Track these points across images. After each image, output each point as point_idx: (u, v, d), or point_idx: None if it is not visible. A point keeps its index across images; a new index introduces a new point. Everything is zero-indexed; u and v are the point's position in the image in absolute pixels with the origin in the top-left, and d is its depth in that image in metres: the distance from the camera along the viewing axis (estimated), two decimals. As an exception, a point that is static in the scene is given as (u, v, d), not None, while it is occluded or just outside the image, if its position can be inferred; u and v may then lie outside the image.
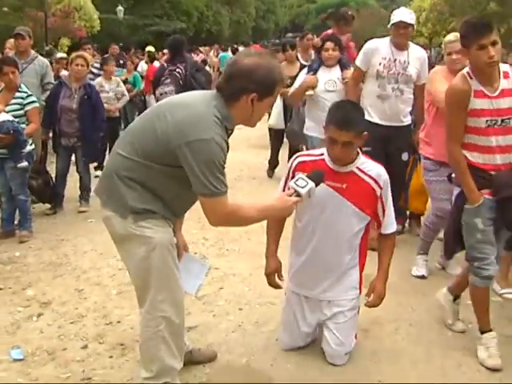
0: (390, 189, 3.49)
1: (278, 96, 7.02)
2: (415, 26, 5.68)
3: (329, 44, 6.21)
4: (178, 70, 6.76)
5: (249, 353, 3.76)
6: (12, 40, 8.05)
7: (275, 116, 8.59)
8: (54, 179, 7.01)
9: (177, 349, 3.06)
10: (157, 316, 2.97)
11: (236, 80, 2.82)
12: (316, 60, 6.46)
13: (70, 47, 22.48)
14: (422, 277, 5.00)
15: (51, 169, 7.24)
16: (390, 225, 3.55)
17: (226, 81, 2.87)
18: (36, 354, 3.76)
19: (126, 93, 9.50)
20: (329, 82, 6.13)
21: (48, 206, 7.00)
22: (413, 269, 5.07)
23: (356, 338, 3.72)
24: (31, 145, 6.02)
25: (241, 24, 53.48)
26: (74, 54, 7.41)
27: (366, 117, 5.28)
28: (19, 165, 5.82)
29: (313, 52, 8.20)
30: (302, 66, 7.66)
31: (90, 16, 28.23)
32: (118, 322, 4.17)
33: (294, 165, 3.53)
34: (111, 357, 3.70)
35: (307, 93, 6.21)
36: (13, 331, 4.05)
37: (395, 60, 5.45)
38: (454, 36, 4.86)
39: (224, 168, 2.77)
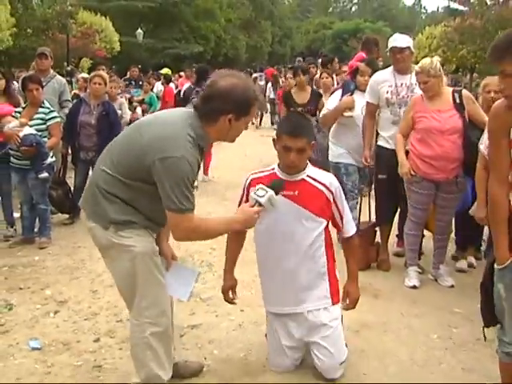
0: (343, 196, 3.60)
1: None
2: (413, 50, 5.79)
3: (365, 68, 6.19)
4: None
5: (247, 348, 4.05)
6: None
7: None
8: (72, 191, 7.36)
9: (165, 357, 3.21)
10: (142, 322, 3.11)
11: (213, 101, 2.94)
12: (350, 83, 6.42)
13: (90, 68, 23.12)
14: (414, 287, 5.26)
15: (70, 181, 7.59)
16: (351, 228, 3.66)
17: (203, 102, 2.98)
18: (52, 345, 4.08)
19: (127, 115, 9.21)
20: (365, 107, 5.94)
21: (66, 216, 7.35)
22: (405, 279, 5.35)
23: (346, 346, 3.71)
24: (52, 157, 6.38)
25: (257, 48, 54.17)
26: (92, 74, 7.83)
27: (383, 144, 5.67)
28: (40, 175, 6.17)
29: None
30: (314, 93, 7.89)
31: (111, 38, 28.93)
32: (128, 319, 4.46)
33: (247, 182, 3.60)
34: (120, 349, 4.01)
35: (346, 114, 6.08)
36: (31, 325, 4.38)
37: (401, 85, 5.63)
38: (418, 67, 5.20)
39: (193, 186, 2.89)
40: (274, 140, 3.53)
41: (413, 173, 5.16)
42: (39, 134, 6.21)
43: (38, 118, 6.35)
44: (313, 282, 3.55)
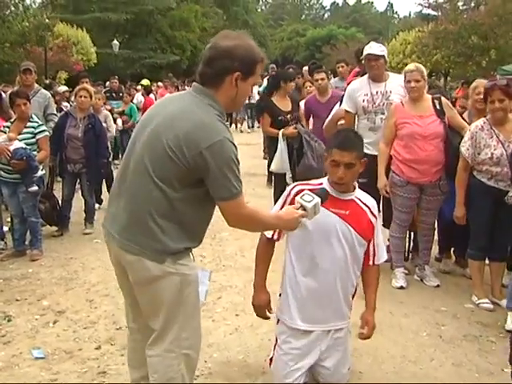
0: (380, 223, 3.56)
1: (281, 140, 7.18)
2: (387, 59, 5.95)
3: None
4: None
5: (245, 351, 4.19)
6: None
7: (278, 161, 7.58)
8: (60, 203, 7.45)
9: (190, 380, 3.07)
10: (180, 354, 2.92)
11: (217, 62, 2.76)
12: None
13: (67, 80, 23.13)
14: (401, 287, 5.44)
15: (58, 193, 7.67)
16: (382, 254, 3.52)
17: (206, 65, 2.80)
18: (55, 353, 4.17)
19: (112, 128, 9.44)
20: None
21: (55, 228, 7.43)
22: (392, 280, 5.54)
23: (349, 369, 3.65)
24: (42, 170, 6.46)
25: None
26: (78, 87, 7.93)
27: (364, 150, 5.79)
28: (30, 189, 6.26)
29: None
30: (293, 99, 7.78)
31: (87, 50, 28.98)
32: (127, 327, 4.58)
33: (292, 192, 3.39)
34: (122, 355, 4.09)
35: (339, 123, 6.32)
36: (32, 335, 4.47)
37: (376, 92, 5.81)
38: (414, 66, 5.46)
39: (239, 163, 2.75)
40: (324, 157, 3.44)
41: (397, 178, 5.39)
42: (29, 147, 6.29)
43: (27, 132, 6.42)
44: (344, 300, 3.45)
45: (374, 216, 3.43)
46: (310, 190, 3.20)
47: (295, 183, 3.54)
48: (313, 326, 3.41)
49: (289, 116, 7.41)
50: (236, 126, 20.04)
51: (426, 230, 5.64)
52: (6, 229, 6.97)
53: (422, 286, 5.55)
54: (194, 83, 2.90)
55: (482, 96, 5.28)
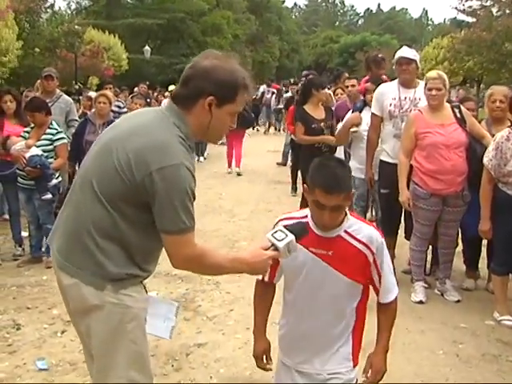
0: (386, 253, 2.93)
1: (342, 151, 7.03)
2: (419, 64, 5.85)
3: (369, 86, 6.40)
4: None
5: (253, 367, 4.02)
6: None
7: None
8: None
9: None
10: None
11: (192, 82, 2.48)
12: (360, 101, 6.62)
13: (98, 85, 23.35)
14: (420, 302, 5.28)
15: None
16: (389, 293, 2.94)
17: (181, 85, 2.54)
18: (59, 365, 4.11)
19: None
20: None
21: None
22: (411, 295, 5.37)
23: None
24: (57, 178, 6.45)
25: (264, 64, 54.35)
26: (97, 94, 7.94)
27: (385, 158, 5.70)
28: (44, 197, 6.24)
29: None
30: (326, 107, 7.73)
31: (119, 56, 29.24)
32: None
33: (276, 224, 2.95)
34: (127, 368, 4.04)
35: (351, 130, 6.32)
36: (39, 345, 4.42)
37: (405, 98, 5.68)
38: (436, 73, 5.29)
39: (195, 198, 2.44)
40: (303, 186, 2.95)
41: (421, 191, 5.22)
42: (45, 154, 6.28)
43: (45, 139, 6.41)
44: (338, 342, 2.99)
45: (371, 251, 2.83)
46: (295, 223, 2.81)
47: (280, 217, 3.01)
48: (300, 366, 2.97)
49: (322, 124, 7.39)
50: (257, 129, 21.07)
51: (447, 242, 5.45)
52: (25, 234, 6.97)
53: (443, 300, 5.37)
54: (169, 101, 2.62)
55: (497, 104, 5.16)
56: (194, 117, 2.50)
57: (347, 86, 7.74)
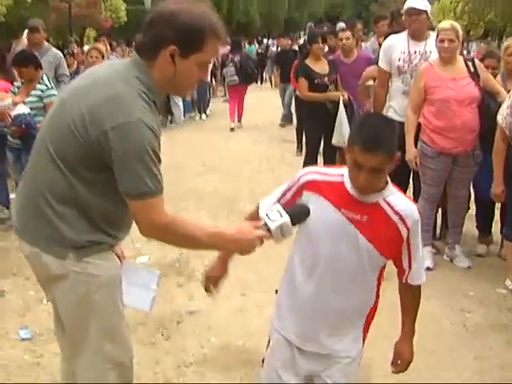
0: (419, 232, 2.77)
1: (342, 109, 6.94)
2: (430, 16, 5.69)
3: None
4: (236, 57, 12.80)
5: (246, 335, 4.05)
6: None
7: (339, 133, 7.07)
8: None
9: None
10: (105, 369, 2.51)
11: (153, 29, 2.28)
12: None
13: (95, 39, 23.10)
14: (427, 268, 5.20)
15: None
16: (419, 276, 2.84)
17: (143, 32, 2.35)
18: (43, 334, 4.09)
19: None
20: None
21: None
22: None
23: None
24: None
25: (272, 15, 53.69)
26: (88, 47, 7.82)
27: (393, 116, 5.53)
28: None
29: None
30: (330, 61, 7.61)
31: (117, 7, 28.81)
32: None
33: (301, 182, 2.77)
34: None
35: (366, 84, 6.29)
36: (23, 313, 4.40)
37: (414, 52, 5.54)
38: (449, 24, 5.12)
39: (159, 159, 2.28)
40: (344, 148, 2.79)
41: (428, 149, 5.12)
42: (34, 112, 6.17)
43: (34, 95, 6.31)
44: (353, 322, 2.89)
45: (406, 227, 2.68)
46: (326, 184, 2.69)
47: (308, 169, 2.87)
48: (305, 344, 2.85)
49: (326, 79, 7.27)
50: (261, 82, 20.80)
51: (457, 204, 5.37)
52: (13, 196, 6.92)
53: (452, 267, 5.32)
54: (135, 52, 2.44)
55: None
56: (158, 69, 2.31)
57: (341, 39, 7.65)
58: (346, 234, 2.67)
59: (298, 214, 2.54)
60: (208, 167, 9.00)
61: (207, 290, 3.07)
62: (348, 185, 2.68)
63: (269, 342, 3.04)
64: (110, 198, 2.35)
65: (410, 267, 2.77)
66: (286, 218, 2.44)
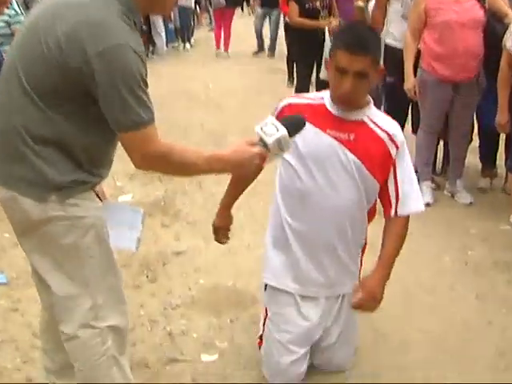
0: (408, 156, 2.79)
1: (328, 38, 6.71)
2: None
3: None
4: None
5: (236, 276, 4.03)
6: None
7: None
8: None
9: (127, 364, 2.56)
10: (102, 328, 2.37)
11: None
12: None
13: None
14: (427, 204, 5.18)
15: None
16: (406, 207, 2.78)
17: None
18: (20, 277, 4.05)
19: None
20: None
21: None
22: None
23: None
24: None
25: None
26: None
27: (391, 42, 5.49)
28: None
29: None
30: None
31: None
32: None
33: (281, 107, 2.81)
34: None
35: (356, 4, 5.96)
36: (-1, 257, 4.37)
37: None
38: None
39: (147, 85, 2.16)
40: (325, 61, 2.85)
41: (428, 77, 5.04)
42: (1, 41, 6.01)
43: (1, 21, 6.12)
44: (352, 257, 2.89)
45: (396, 146, 2.70)
46: (305, 105, 2.70)
47: (289, 97, 2.88)
48: (308, 288, 2.86)
49: (318, 3, 7.10)
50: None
51: (459, 136, 5.32)
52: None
53: (452, 203, 5.32)
54: None
55: None
56: None
57: None
58: (335, 156, 2.67)
59: (295, 125, 2.47)
60: (193, 100, 8.89)
61: (220, 242, 3.22)
62: (330, 105, 2.71)
63: (266, 313, 3.03)
64: (93, 132, 2.22)
65: (396, 197, 2.75)
66: (283, 131, 2.36)
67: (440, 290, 3.93)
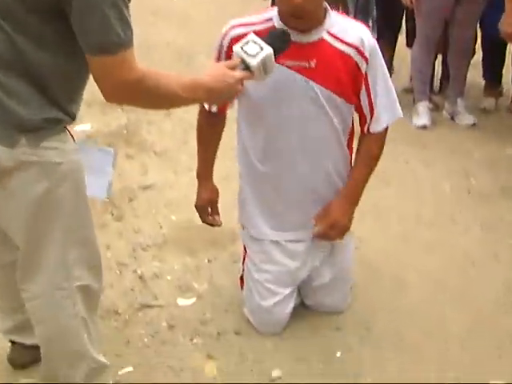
0: (382, 62, 2.74)
1: None
2: None
3: None
4: None
5: (211, 211, 4.04)
6: None
7: None
8: None
9: (97, 328, 2.53)
10: (71, 288, 2.30)
11: None
12: None
13: None
14: (424, 127, 5.22)
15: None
16: (382, 120, 2.76)
17: None
18: None
19: None
20: None
21: None
22: (413, 118, 5.31)
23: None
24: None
25: None
26: None
27: None
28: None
29: None
30: None
31: None
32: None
33: (226, 42, 2.70)
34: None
35: None
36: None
37: None
38: None
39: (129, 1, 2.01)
40: None
41: None
42: None
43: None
44: (332, 193, 2.87)
45: (364, 57, 2.63)
46: (254, 31, 2.48)
47: (231, 23, 2.75)
48: (286, 233, 2.90)
49: None
50: None
51: (460, 49, 5.29)
52: None
53: (453, 125, 5.36)
54: None
55: None
56: None
57: None
58: (294, 88, 2.62)
59: (280, 42, 2.40)
60: (158, 15, 8.73)
61: (211, 224, 3.12)
62: (278, 24, 2.60)
63: (245, 250, 3.09)
64: (65, 59, 2.07)
65: (371, 112, 2.74)
66: (268, 50, 2.30)
67: (441, 221, 3.98)
